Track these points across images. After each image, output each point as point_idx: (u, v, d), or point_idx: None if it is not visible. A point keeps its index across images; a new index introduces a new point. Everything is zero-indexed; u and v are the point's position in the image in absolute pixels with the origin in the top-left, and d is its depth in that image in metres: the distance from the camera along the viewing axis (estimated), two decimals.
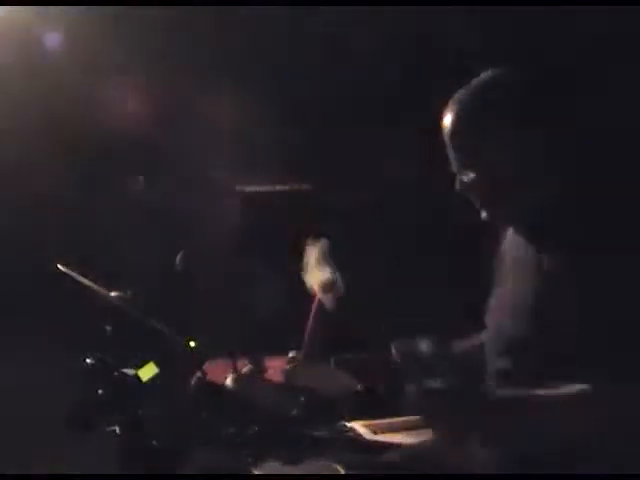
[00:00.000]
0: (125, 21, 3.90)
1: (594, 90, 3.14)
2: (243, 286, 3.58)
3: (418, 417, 2.29)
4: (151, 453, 2.11)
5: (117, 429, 2.13)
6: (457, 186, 1.87)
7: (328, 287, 2.28)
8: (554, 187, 1.81)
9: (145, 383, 2.16)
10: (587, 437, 1.63)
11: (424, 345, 2.25)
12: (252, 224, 3.76)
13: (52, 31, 3.88)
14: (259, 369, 2.52)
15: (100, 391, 2.15)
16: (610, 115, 3.23)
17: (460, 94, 1.86)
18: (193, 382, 2.21)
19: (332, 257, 2.37)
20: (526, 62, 1.94)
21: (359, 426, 2.27)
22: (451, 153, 1.86)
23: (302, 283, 2.60)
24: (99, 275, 2.36)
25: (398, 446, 2.11)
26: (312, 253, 2.34)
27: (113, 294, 2.32)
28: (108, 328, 2.29)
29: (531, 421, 1.69)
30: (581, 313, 1.67)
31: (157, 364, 2.21)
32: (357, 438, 2.19)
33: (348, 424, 2.27)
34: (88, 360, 2.18)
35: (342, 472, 1.91)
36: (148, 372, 2.19)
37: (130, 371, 2.18)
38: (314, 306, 2.66)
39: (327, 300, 2.28)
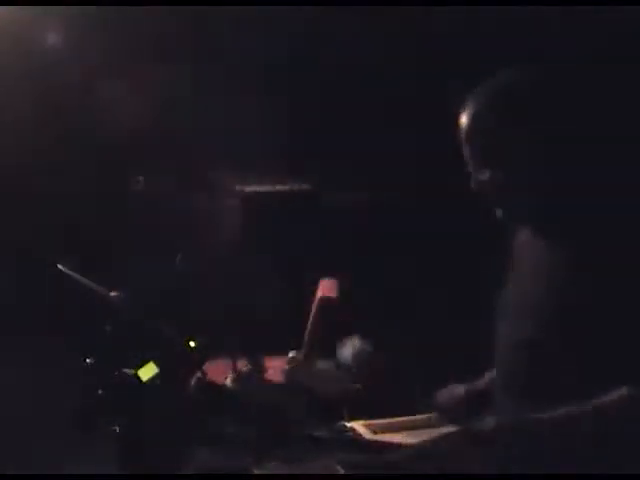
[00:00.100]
0: (125, 21, 3.91)
1: (602, 90, 3.14)
2: (243, 286, 3.58)
3: (418, 417, 2.30)
4: (151, 453, 2.12)
5: (117, 429, 2.13)
6: (473, 185, 1.88)
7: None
8: (567, 188, 1.82)
9: (145, 383, 2.16)
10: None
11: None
12: (252, 224, 3.75)
13: (52, 30, 3.88)
14: (259, 369, 2.53)
15: (100, 391, 2.15)
16: (617, 115, 3.23)
17: (476, 93, 1.86)
18: (193, 382, 2.21)
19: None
20: (540, 62, 1.94)
21: (359, 426, 2.27)
22: (467, 152, 1.87)
23: (302, 283, 2.60)
24: (99, 275, 2.36)
25: (398, 446, 2.10)
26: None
27: (113, 294, 2.32)
28: (108, 328, 2.29)
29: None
30: (596, 314, 1.68)
31: (157, 364, 2.21)
32: (357, 438, 2.19)
33: (348, 424, 2.27)
34: (88, 360, 2.18)
35: (342, 472, 1.90)
36: (148, 372, 2.19)
37: (130, 371, 2.18)
38: (314, 306, 2.66)
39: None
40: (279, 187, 3.84)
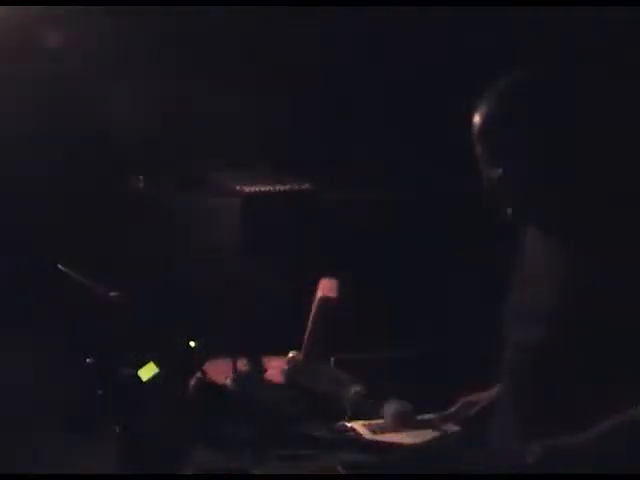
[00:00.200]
0: (125, 20, 3.90)
1: (610, 89, 3.14)
2: (243, 286, 3.58)
3: (417, 417, 2.30)
4: (151, 453, 2.12)
5: (117, 429, 2.13)
6: (484, 184, 1.88)
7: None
8: (577, 189, 1.82)
9: (145, 383, 2.17)
10: None
11: None
12: (252, 224, 3.75)
13: (51, 29, 3.87)
14: (259, 369, 2.52)
15: (100, 391, 2.15)
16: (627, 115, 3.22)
17: (489, 92, 1.87)
18: (193, 382, 2.21)
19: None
20: (553, 62, 1.95)
21: (359, 426, 2.27)
22: (479, 151, 1.87)
23: (302, 283, 2.60)
24: (99, 275, 2.36)
25: (398, 446, 2.10)
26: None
27: (113, 294, 2.32)
28: (108, 328, 2.29)
29: None
30: (610, 315, 1.68)
31: (157, 364, 2.21)
32: (357, 438, 2.19)
33: (348, 424, 2.27)
34: (88, 360, 2.18)
35: (342, 472, 1.90)
36: (148, 372, 2.19)
37: (130, 371, 2.18)
38: (314, 306, 2.66)
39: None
40: (279, 187, 3.84)
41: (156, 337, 2.31)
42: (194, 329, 2.40)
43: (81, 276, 2.32)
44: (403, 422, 2.25)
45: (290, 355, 2.58)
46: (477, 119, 1.86)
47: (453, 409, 2.25)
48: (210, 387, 2.22)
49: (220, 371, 2.49)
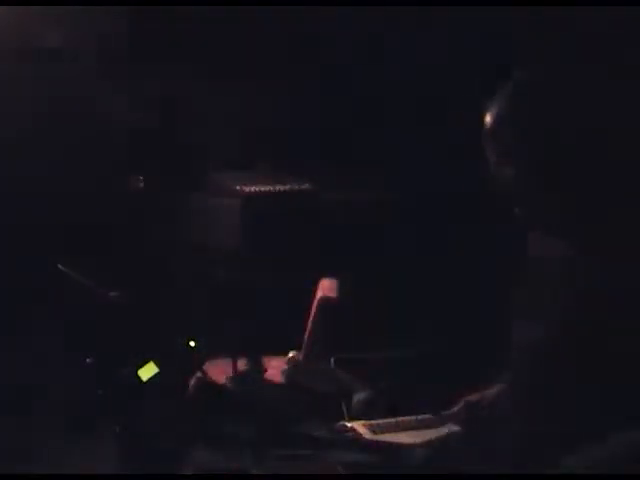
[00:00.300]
0: (125, 20, 3.90)
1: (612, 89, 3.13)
2: (243, 286, 3.58)
3: (418, 417, 2.30)
4: (151, 453, 2.12)
5: (117, 429, 2.14)
6: (493, 184, 1.88)
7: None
8: (587, 187, 1.82)
9: (145, 383, 2.17)
10: None
11: None
12: (252, 224, 3.75)
13: (51, 28, 3.87)
14: (259, 369, 2.53)
15: (100, 391, 2.15)
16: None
17: (500, 91, 1.87)
18: (193, 382, 2.21)
19: None
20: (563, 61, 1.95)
21: (359, 426, 2.27)
22: (489, 150, 1.88)
23: (302, 283, 2.60)
24: (99, 275, 2.36)
25: (398, 446, 2.10)
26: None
27: (113, 294, 2.32)
28: (108, 328, 2.29)
29: None
30: (605, 318, 1.68)
31: (157, 364, 2.21)
32: (357, 438, 2.19)
33: (348, 424, 2.27)
34: (88, 360, 2.18)
35: (342, 472, 1.91)
36: (148, 372, 2.19)
37: (130, 371, 2.18)
38: (314, 306, 2.66)
39: None
40: (279, 187, 3.84)
41: (156, 337, 2.31)
42: (194, 329, 2.40)
43: (81, 276, 2.32)
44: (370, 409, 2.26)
45: (290, 355, 2.58)
46: (488, 119, 1.87)
47: (453, 409, 2.25)
48: (210, 387, 2.22)
49: (220, 371, 2.49)
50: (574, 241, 1.82)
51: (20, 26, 3.76)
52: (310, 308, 2.66)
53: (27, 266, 3.69)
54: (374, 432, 2.23)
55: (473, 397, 2.23)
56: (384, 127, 4.08)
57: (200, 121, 4.06)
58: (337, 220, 3.89)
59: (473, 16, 3.78)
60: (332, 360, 2.67)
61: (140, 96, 3.95)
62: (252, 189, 3.76)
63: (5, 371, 3.57)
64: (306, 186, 3.85)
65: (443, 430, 2.22)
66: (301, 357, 2.57)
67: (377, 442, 2.14)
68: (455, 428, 2.22)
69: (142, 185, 3.93)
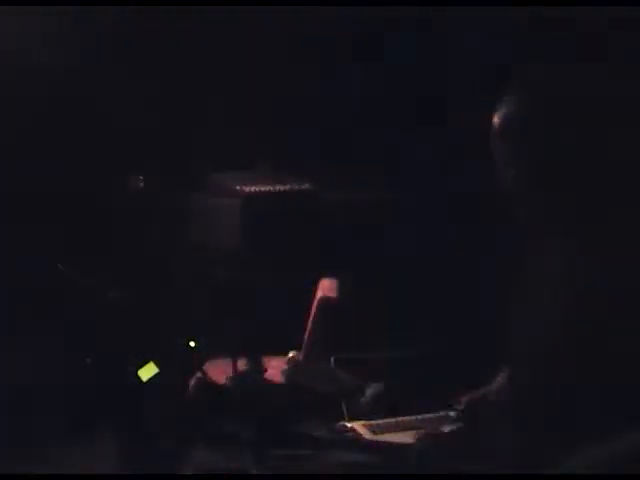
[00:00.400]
0: (125, 20, 3.90)
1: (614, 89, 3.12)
2: (243, 286, 3.58)
3: (418, 417, 2.30)
4: (151, 453, 2.12)
5: (116, 428, 2.13)
6: (499, 185, 1.88)
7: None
8: (592, 189, 1.82)
9: (145, 383, 2.17)
10: None
11: None
12: (252, 224, 3.75)
13: (51, 28, 3.87)
14: (259, 369, 2.52)
15: (100, 391, 2.15)
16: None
17: (507, 93, 1.88)
18: (193, 382, 2.21)
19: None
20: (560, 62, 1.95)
21: (359, 426, 2.27)
22: (496, 151, 1.88)
23: (302, 283, 2.60)
24: (99, 275, 2.36)
25: (398, 446, 2.11)
26: None
27: (113, 294, 2.32)
28: (108, 328, 2.29)
29: None
30: (605, 318, 1.68)
31: (157, 364, 2.21)
32: (357, 438, 2.19)
33: (348, 424, 2.27)
34: (88, 360, 2.18)
35: (342, 472, 1.91)
36: (148, 372, 2.19)
37: (130, 371, 2.18)
38: (314, 306, 2.66)
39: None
40: (279, 187, 3.83)
41: (156, 337, 2.31)
42: (194, 329, 2.40)
43: (81, 276, 2.32)
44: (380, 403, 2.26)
45: (290, 355, 2.58)
46: (496, 120, 1.88)
47: (454, 408, 2.25)
48: (210, 387, 2.22)
49: (220, 371, 2.49)
50: (574, 241, 1.82)
51: (20, 26, 3.76)
52: (310, 308, 2.66)
53: (27, 266, 3.69)
54: (374, 432, 2.24)
55: (473, 397, 2.23)
56: (384, 127, 4.07)
57: (200, 121, 4.06)
58: (337, 220, 3.88)
59: (473, 16, 3.78)
60: (332, 360, 2.67)
61: (140, 96, 3.95)
62: (252, 189, 3.75)
63: (5, 371, 3.57)
64: (306, 186, 3.84)
65: (443, 430, 2.22)
66: (301, 357, 2.57)
67: (377, 442, 2.14)
68: (455, 428, 2.22)
69: (142, 185, 3.93)
